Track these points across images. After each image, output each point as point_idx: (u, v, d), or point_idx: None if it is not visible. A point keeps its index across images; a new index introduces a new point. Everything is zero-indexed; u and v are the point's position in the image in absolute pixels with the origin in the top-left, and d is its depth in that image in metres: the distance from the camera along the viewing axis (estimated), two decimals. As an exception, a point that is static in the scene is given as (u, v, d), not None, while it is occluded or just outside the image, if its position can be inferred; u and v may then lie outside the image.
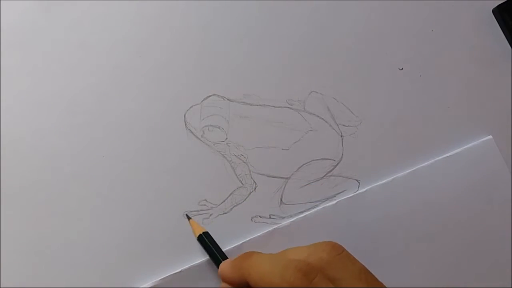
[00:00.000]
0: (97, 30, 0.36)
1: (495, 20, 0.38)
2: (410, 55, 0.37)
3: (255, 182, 0.35)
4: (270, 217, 0.35)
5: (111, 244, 0.34)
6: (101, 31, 0.36)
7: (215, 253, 0.32)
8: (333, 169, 0.36)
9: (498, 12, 0.37)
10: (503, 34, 0.38)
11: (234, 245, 0.34)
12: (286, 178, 0.35)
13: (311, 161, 0.36)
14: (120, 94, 0.35)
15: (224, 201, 0.35)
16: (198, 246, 0.34)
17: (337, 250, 0.28)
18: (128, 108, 0.35)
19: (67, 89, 0.35)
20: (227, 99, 0.36)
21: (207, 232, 0.33)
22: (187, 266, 0.33)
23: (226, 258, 0.32)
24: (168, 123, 0.35)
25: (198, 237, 0.33)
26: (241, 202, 0.35)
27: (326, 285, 0.26)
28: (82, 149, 0.34)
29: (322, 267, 0.27)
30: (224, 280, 0.31)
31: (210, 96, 0.36)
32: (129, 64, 0.35)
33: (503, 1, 0.37)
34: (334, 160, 0.36)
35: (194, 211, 0.34)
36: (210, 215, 0.34)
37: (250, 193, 0.35)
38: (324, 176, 0.36)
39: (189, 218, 0.34)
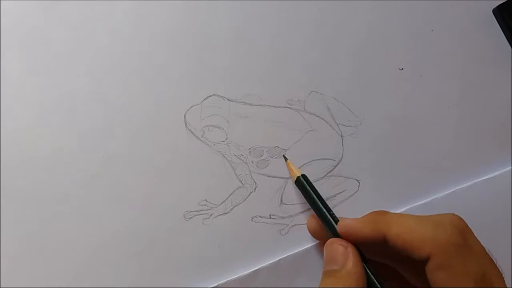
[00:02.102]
0: (97, 30, 0.36)
1: (495, 20, 0.38)
2: (410, 55, 0.37)
3: (255, 182, 0.35)
4: (270, 217, 0.35)
5: (110, 244, 0.34)
6: (101, 31, 0.36)
7: (315, 197, 0.31)
8: (333, 169, 0.36)
9: (498, 12, 0.37)
10: (503, 34, 0.38)
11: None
12: (286, 178, 0.35)
13: (311, 161, 0.36)
14: (120, 94, 0.35)
15: (224, 201, 0.35)
16: (194, 245, 0.34)
17: (464, 222, 0.27)
18: (128, 108, 0.35)
19: (67, 89, 0.35)
20: (227, 99, 0.36)
21: (305, 175, 0.33)
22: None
23: (325, 203, 0.31)
24: (168, 123, 0.35)
25: (296, 180, 0.33)
26: (241, 202, 0.35)
27: (479, 248, 0.25)
28: (82, 149, 0.34)
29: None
30: (352, 234, 0.28)
31: (210, 96, 0.36)
32: (129, 64, 0.35)
33: (503, 1, 0.37)
34: (334, 160, 0.36)
35: (194, 211, 0.34)
36: (210, 215, 0.34)
37: (250, 193, 0.35)
38: (324, 176, 0.36)
39: (286, 159, 0.35)
